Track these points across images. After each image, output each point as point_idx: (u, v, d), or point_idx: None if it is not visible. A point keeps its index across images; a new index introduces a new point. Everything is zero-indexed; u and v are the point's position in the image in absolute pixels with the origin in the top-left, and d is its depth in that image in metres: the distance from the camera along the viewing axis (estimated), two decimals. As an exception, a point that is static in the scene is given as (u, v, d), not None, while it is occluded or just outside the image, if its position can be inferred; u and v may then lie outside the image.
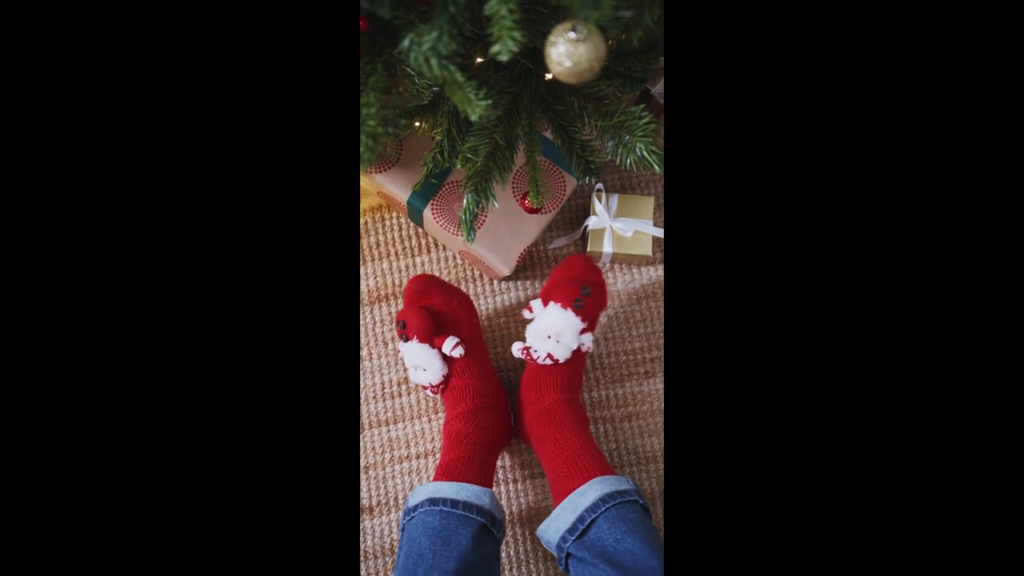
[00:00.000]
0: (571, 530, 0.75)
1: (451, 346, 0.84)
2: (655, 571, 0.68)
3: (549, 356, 0.84)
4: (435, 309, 0.87)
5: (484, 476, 0.82)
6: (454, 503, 0.76)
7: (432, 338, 0.85)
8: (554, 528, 0.77)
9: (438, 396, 0.93)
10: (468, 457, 0.82)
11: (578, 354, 0.87)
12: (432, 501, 0.77)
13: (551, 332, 0.84)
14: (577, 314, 0.84)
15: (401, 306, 0.98)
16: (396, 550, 0.91)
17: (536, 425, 0.85)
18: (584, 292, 0.85)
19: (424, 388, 0.89)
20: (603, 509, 0.74)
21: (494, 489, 0.91)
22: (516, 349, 0.87)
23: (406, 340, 0.85)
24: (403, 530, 0.79)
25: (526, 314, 0.88)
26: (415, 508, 0.78)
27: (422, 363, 0.85)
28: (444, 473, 0.81)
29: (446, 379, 0.87)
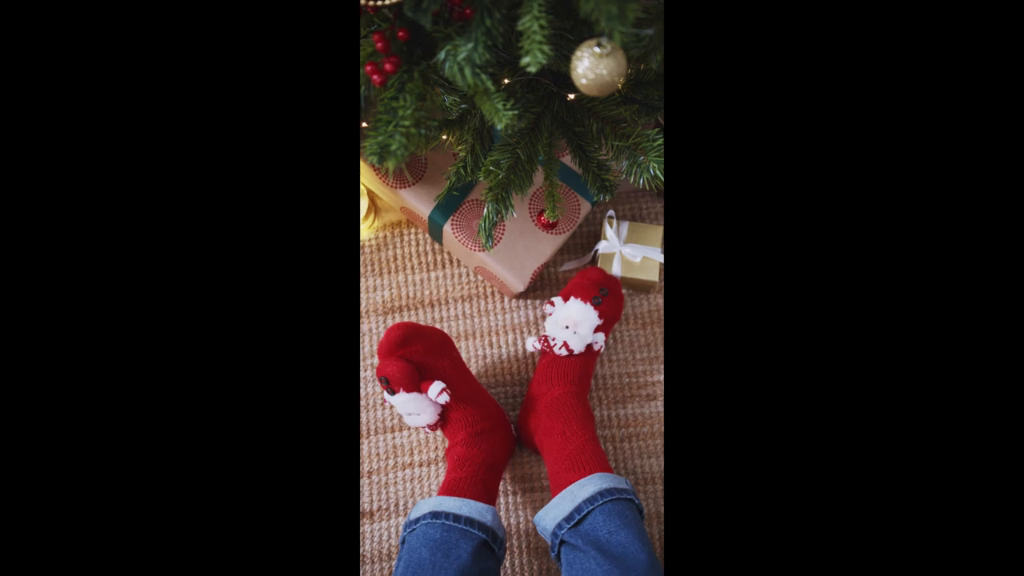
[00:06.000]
0: (568, 519, 0.77)
1: (436, 392, 0.83)
2: (644, 564, 0.70)
3: (565, 345, 0.89)
4: (414, 358, 0.85)
5: (488, 495, 0.84)
6: (456, 517, 0.78)
7: (418, 385, 0.84)
8: (551, 516, 0.80)
9: (439, 432, 0.95)
10: (472, 476, 0.84)
11: (590, 353, 0.91)
12: (435, 515, 0.78)
13: (569, 323, 0.90)
14: (595, 309, 0.89)
15: (411, 316, 1.01)
16: (394, 556, 0.92)
17: (545, 417, 0.88)
18: (602, 292, 0.91)
19: (423, 429, 0.90)
20: (600, 502, 0.76)
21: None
22: (531, 343, 0.92)
23: (392, 393, 0.85)
24: (403, 542, 0.80)
25: (547, 308, 0.93)
26: (416, 521, 0.79)
27: (414, 410, 0.86)
28: (448, 491, 0.83)
29: (442, 415, 0.88)
